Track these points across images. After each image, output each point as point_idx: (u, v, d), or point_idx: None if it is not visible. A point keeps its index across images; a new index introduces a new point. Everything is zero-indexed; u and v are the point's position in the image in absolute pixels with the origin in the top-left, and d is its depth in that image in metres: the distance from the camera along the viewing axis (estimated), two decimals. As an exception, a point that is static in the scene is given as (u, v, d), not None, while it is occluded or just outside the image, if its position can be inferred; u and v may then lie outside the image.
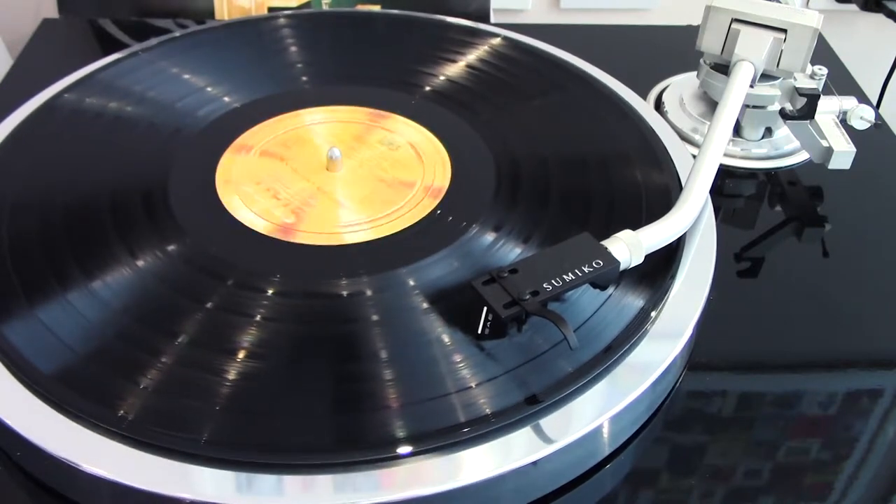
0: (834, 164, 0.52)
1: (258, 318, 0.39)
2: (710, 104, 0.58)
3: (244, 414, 0.36)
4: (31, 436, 0.35)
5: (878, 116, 0.58)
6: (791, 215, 0.53)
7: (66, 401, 0.36)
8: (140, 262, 0.42)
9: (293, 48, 0.60)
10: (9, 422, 0.35)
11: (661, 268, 0.42)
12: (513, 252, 0.44)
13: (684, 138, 0.56)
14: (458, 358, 0.38)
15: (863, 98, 0.60)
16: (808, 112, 0.53)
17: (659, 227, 0.42)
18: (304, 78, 0.57)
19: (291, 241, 0.44)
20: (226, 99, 0.54)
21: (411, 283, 0.41)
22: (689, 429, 0.41)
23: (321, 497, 0.34)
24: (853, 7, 0.79)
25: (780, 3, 0.53)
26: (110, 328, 0.39)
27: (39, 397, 0.36)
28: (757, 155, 0.56)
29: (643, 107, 0.55)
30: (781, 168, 0.56)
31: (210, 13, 0.72)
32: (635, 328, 0.39)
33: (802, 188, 0.55)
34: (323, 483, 0.34)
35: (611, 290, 0.41)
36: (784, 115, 0.54)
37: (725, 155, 0.55)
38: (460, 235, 0.44)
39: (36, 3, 0.75)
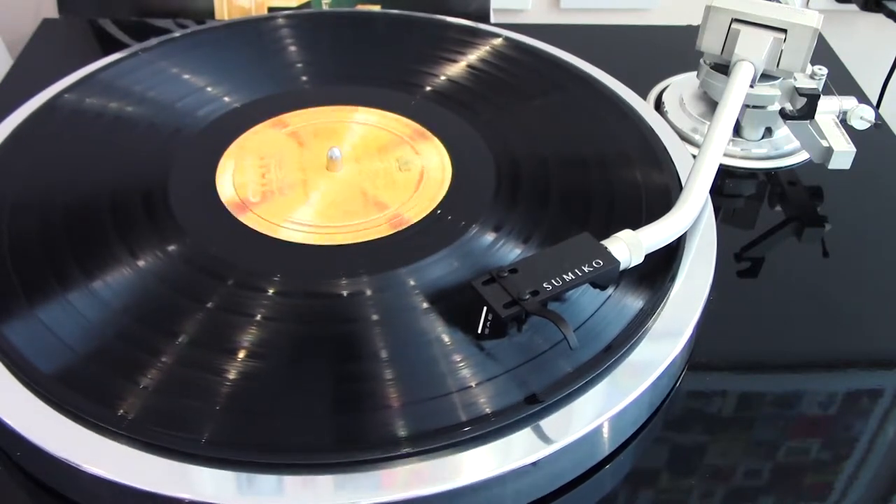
0: (834, 164, 0.52)
1: (258, 317, 0.39)
2: (710, 104, 0.58)
3: (244, 414, 0.36)
4: (32, 436, 0.35)
5: (878, 116, 0.58)
6: (791, 215, 0.53)
7: (67, 401, 0.36)
8: (140, 262, 0.42)
9: (293, 48, 0.60)
10: (9, 422, 0.35)
11: (661, 268, 0.42)
12: (513, 252, 0.44)
13: (684, 138, 0.56)
14: (458, 358, 0.38)
15: (863, 98, 0.60)
16: (808, 112, 0.53)
17: (659, 226, 0.42)
18: (304, 78, 0.57)
19: (238, 218, 0.45)
20: (226, 99, 0.54)
21: (411, 282, 0.41)
22: (689, 429, 0.41)
23: (321, 497, 0.34)
24: (853, 7, 0.79)
25: (780, 3, 0.53)
26: (110, 328, 0.39)
27: (39, 397, 0.36)
28: (757, 155, 0.56)
29: (643, 107, 0.55)
30: (781, 168, 0.56)
31: (210, 13, 0.72)
32: (635, 328, 0.39)
33: (802, 188, 0.55)
34: (323, 483, 0.34)
35: (611, 289, 0.41)
36: (784, 115, 0.54)
37: (725, 155, 0.55)
38: (460, 235, 0.44)
39: (36, 3, 0.75)
